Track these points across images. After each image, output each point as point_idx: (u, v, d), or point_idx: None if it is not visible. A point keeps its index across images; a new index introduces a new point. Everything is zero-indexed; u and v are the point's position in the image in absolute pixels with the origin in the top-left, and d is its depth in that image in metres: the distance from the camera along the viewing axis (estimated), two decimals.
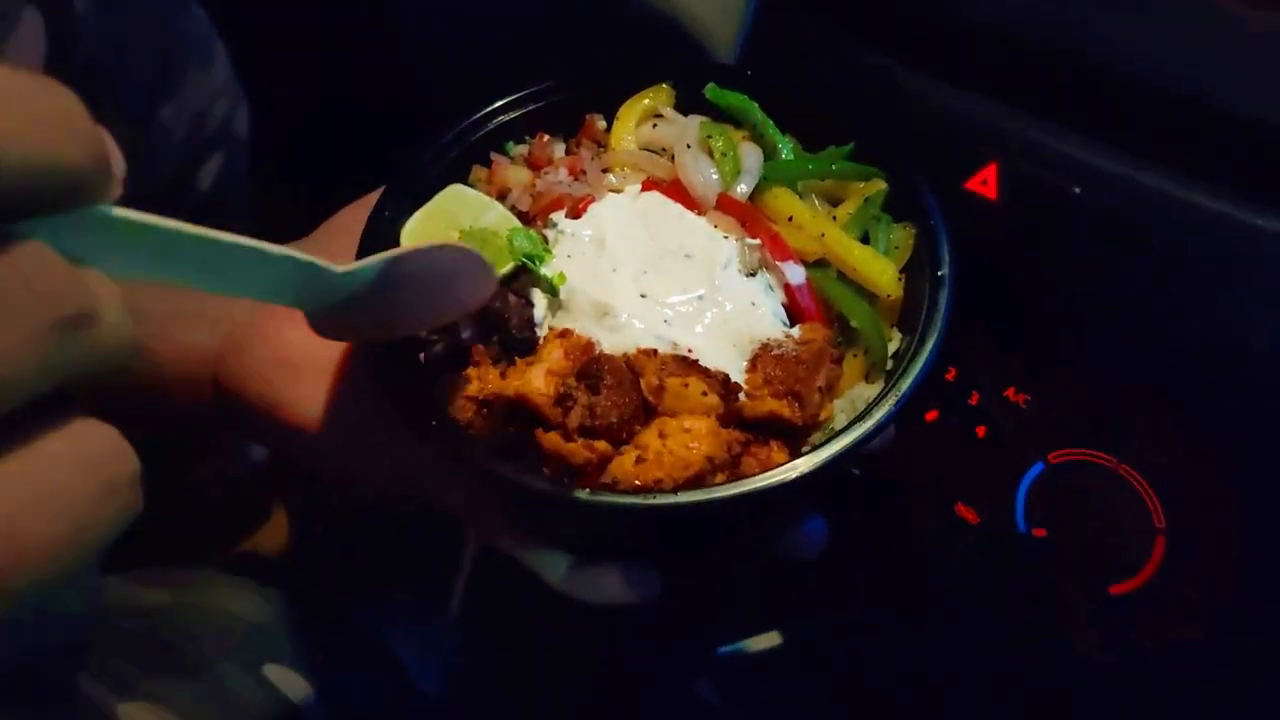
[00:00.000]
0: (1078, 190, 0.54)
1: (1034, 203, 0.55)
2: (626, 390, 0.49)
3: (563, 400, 0.49)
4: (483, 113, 0.60)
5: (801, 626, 0.67)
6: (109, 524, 0.26)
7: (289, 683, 0.68)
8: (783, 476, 0.46)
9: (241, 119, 1.11)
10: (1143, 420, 0.53)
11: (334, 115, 1.43)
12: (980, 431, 0.57)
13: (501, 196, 0.58)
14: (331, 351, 0.56)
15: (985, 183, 0.58)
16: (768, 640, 0.68)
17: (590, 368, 0.50)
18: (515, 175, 0.58)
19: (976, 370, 0.58)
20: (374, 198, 0.59)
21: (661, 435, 0.48)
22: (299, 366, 0.56)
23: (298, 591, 0.71)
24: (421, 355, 0.53)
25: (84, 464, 0.26)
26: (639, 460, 0.47)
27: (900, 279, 0.55)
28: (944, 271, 0.53)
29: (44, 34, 0.89)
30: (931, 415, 0.58)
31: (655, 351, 0.51)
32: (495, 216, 0.57)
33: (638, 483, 0.46)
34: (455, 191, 0.57)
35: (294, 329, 0.56)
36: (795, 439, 0.51)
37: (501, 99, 0.60)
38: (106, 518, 0.26)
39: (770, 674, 0.69)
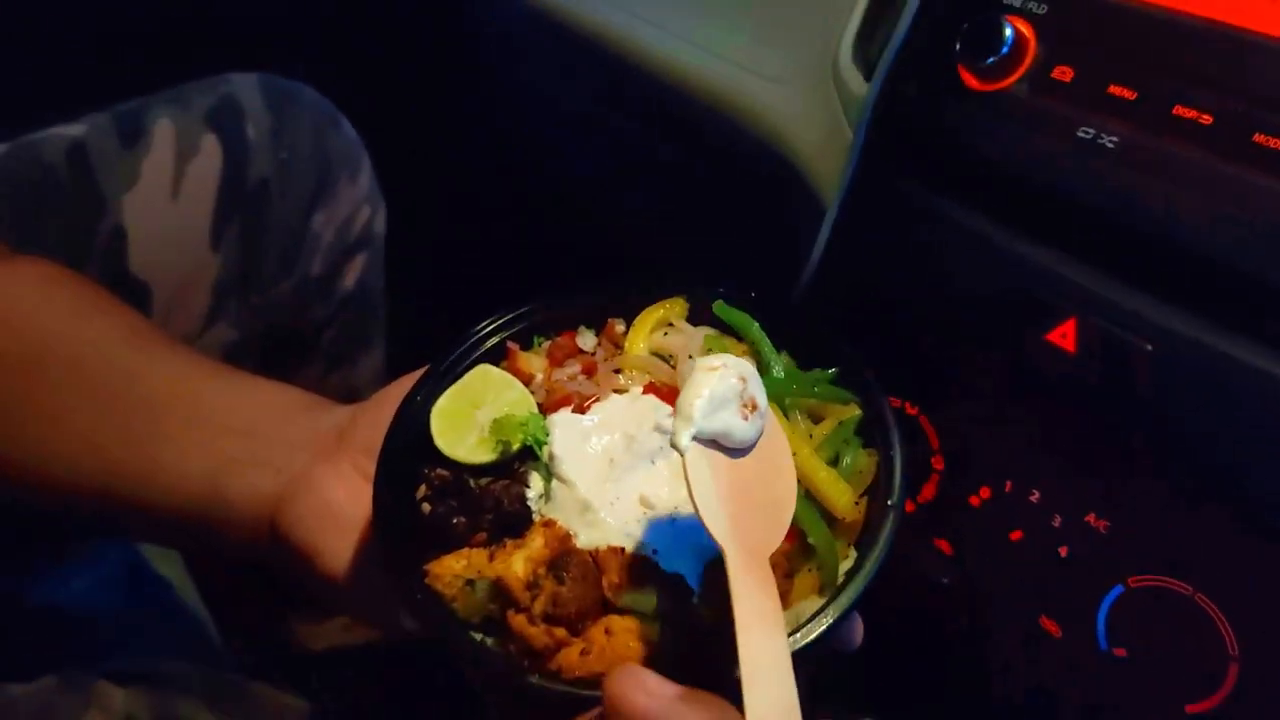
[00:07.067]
0: (1150, 348, 0.59)
1: (1109, 356, 0.60)
2: (589, 585, 0.57)
3: (531, 587, 0.57)
4: (525, 309, 0.69)
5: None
6: None
7: None
8: None
9: (380, 221, 1.24)
10: (1218, 552, 0.56)
11: (462, 219, 1.58)
12: (1063, 551, 0.61)
13: (525, 384, 0.67)
14: (366, 512, 0.63)
15: (1065, 335, 0.63)
16: None
17: (560, 559, 0.57)
18: (533, 364, 0.67)
19: (1059, 495, 0.62)
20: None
21: (607, 632, 0.55)
22: (338, 520, 0.63)
23: (343, 690, 0.80)
24: (425, 505, 0.61)
25: None
26: (583, 653, 0.54)
27: (860, 503, 0.60)
28: (893, 501, 0.58)
29: (221, 158, 1.04)
30: (1017, 535, 0.62)
31: (622, 550, 0.58)
32: (516, 395, 0.65)
33: (579, 674, 0.53)
34: (482, 371, 0.66)
35: (341, 484, 0.64)
36: None
37: (542, 300, 0.70)
38: None
39: None
